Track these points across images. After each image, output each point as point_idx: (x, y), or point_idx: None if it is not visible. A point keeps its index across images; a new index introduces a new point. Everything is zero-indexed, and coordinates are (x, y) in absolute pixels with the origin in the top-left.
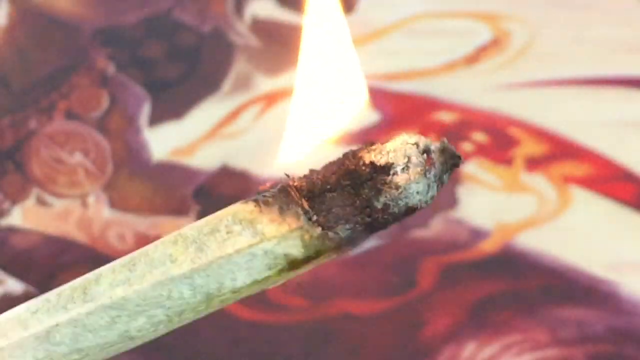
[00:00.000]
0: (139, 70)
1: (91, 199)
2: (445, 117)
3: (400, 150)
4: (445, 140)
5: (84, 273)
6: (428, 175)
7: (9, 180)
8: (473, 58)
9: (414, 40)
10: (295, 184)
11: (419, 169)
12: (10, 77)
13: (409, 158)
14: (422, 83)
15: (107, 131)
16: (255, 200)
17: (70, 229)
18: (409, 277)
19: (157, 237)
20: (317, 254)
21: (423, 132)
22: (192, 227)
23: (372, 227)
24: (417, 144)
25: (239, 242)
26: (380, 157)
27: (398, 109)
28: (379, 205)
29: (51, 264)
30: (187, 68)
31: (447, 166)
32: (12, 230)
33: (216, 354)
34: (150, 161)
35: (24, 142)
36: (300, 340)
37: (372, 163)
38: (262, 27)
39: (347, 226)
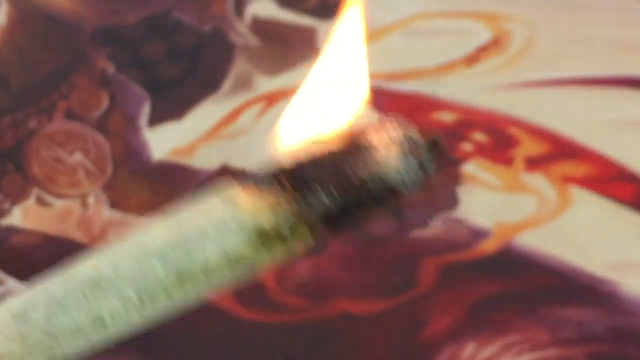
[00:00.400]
0: (139, 70)
1: (91, 199)
2: (445, 117)
3: (386, 131)
4: (437, 135)
5: None
6: (409, 158)
7: (9, 180)
8: (473, 58)
9: (414, 40)
10: (282, 165)
11: (400, 149)
12: (10, 77)
13: (392, 138)
14: (422, 83)
15: (107, 131)
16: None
17: (70, 229)
18: (409, 277)
19: None
20: (291, 231)
21: (422, 132)
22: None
23: (349, 206)
24: (404, 130)
25: (213, 212)
26: (364, 138)
27: (398, 109)
28: (356, 181)
29: (51, 264)
30: (187, 68)
31: (431, 155)
32: (12, 230)
33: (216, 354)
34: (150, 161)
35: (24, 142)
36: (300, 340)
37: (355, 143)
38: (262, 27)
39: (322, 200)
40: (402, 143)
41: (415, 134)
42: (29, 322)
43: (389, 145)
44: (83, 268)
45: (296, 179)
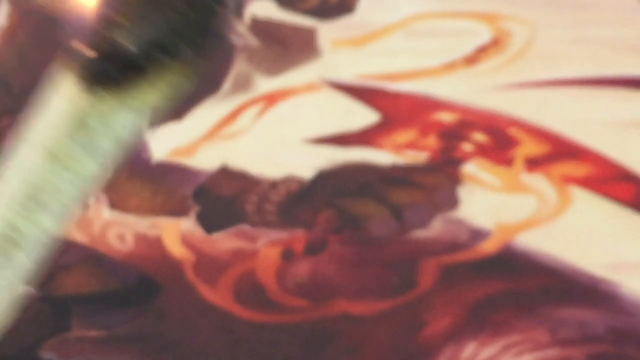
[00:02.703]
0: None
1: (91, 200)
2: (445, 117)
3: None
4: None
5: (84, 273)
6: None
7: None
8: (473, 58)
9: (414, 40)
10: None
11: None
12: (10, 77)
13: None
14: (422, 83)
15: None
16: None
17: (70, 230)
18: (409, 277)
19: (157, 238)
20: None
21: (423, 132)
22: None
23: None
24: None
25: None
26: None
27: (398, 109)
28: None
29: (51, 264)
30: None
31: None
32: None
33: (216, 354)
34: (150, 161)
35: None
36: (300, 340)
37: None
38: (262, 27)
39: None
40: None
41: None
42: None
43: None
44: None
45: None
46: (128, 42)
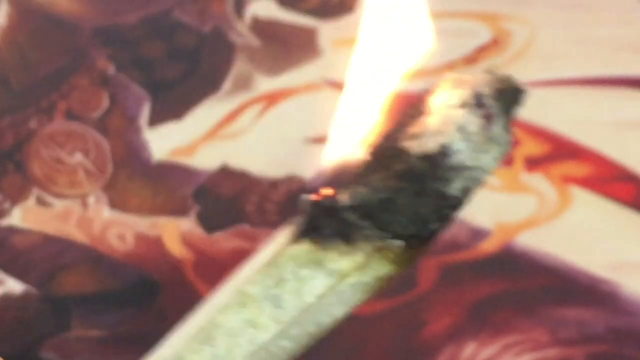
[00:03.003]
0: (139, 70)
1: (91, 199)
2: None
3: (448, 122)
4: (495, 76)
5: (84, 273)
6: (493, 133)
7: (9, 180)
8: (473, 58)
9: None
10: (343, 203)
11: (481, 137)
12: (10, 77)
13: (461, 127)
14: (422, 83)
15: (107, 131)
16: (309, 237)
17: (70, 229)
18: (409, 277)
19: (157, 238)
20: (409, 261)
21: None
22: (250, 284)
23: (452, 212)
24: (462, 105)
25: (316, 287)
26: (429, 142)
27: (398, 109)
28: (456, 193)
29: (51, 264)
30: (187, 68)
31: (510, 105)
32: (12, 230)
33: None
34: (150, 161)
35: (24, 142)
36: None
37: (425, 155)
38: (262, 27)
39: (430, 226)
40: (478, 129)
41: (481, 97)
42: None
43: (466, 138)
44: None
45: (384, 216)
46: (351, 206)
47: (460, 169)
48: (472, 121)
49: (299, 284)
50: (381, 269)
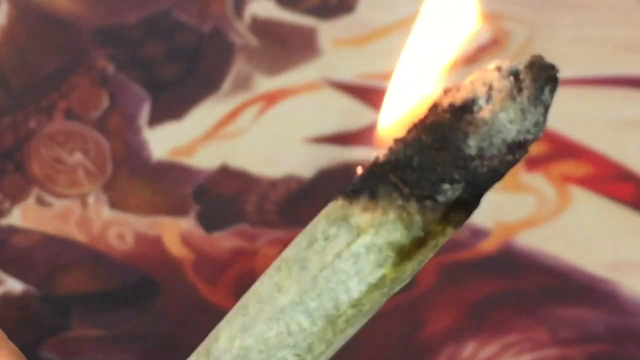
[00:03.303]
0: (139, 70)
1: (91, 199)
2: None
3: (479, 80)
4: (533, 55)
5: (84, 273)
6: (518, 99)
7: (9, 180)
8: (473, 58)
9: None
10: (380, 160)
11: (503, 94)
12: (10, 77)
13: (490, 85)
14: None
15: (107, 131)
16: (344, 193)
17: (70, 229)
18: None
19: (157, 237)
20: (425, 233)
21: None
22: (292, 246)
23: (476, 182)
24: (498, 68)
25: (337, 245)
26: (458, 96)
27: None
28: (472, 152)
29: (51, 264)
30: (187, 68)
31: (541, 81)
32: (12, 230)
33: None
34: (150, 161)
35: (24, 142)
36: None
37: (450, 105)
38: (262, 27)
39: (444, 187)
40: (504, 87)
41: (516, 66)
42: None
43: (490, 96)
44: (226, 345)
45: (408, 175)
46: (381, 162)
47: (479, 124)
48: (502, 83)
49: (325, 243)
50: (395, 232)
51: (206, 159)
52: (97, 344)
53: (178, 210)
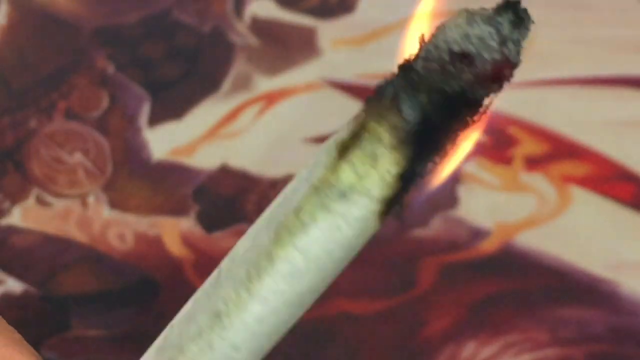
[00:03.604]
0: (139, 70)
1: (91, 199)
2: None
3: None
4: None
5: (83, 273)
6: (474, 14)
7: (9, 180)
8: None
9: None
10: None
11: (462, 13)
12: (10, 77)
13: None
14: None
15: (107, 131)
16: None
17: (70, 229)
18: (409, 277)
19: (157, 237)
20: (361, 126)
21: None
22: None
23: (412, 81)
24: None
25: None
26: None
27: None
28: (422, 53)
29: (51, 263)
30: (187, 68)
31: (500, 9)
32: (12, 230)
33: None
34: (150, 161)
35: (24, 142)
36: (300, 340)
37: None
38: (262, 27)
39: (386, 83)
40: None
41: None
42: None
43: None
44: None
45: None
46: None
47: (438, 30)
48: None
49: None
50: (342, 131)
51: (206, 159)
52: (97, 344)
53: (178, 210)
